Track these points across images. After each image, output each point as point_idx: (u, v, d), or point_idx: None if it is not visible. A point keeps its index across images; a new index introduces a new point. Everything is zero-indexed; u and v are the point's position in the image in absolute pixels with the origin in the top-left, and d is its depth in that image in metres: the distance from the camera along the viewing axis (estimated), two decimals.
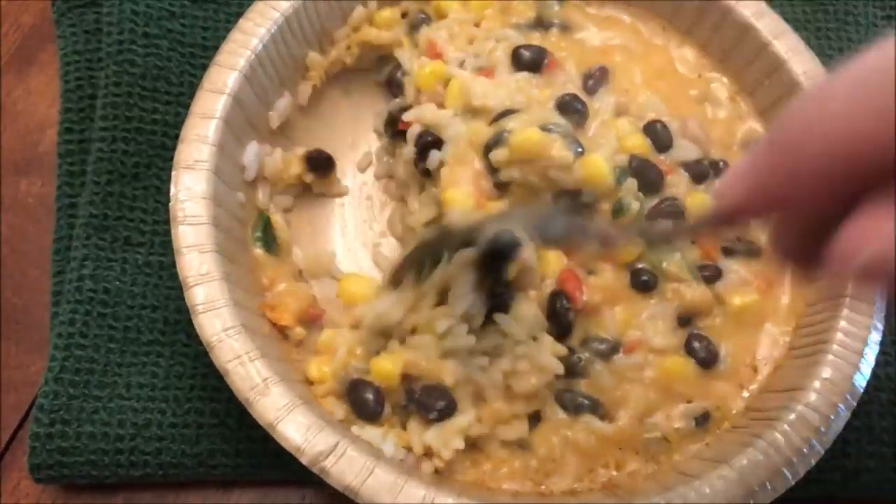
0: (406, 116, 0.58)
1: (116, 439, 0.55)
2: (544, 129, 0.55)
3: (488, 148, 0.55)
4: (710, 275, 0.59)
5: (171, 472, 0.55)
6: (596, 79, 0.63)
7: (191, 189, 0.53)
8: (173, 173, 0.53)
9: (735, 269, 0.60)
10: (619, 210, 0.57)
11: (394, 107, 0.62)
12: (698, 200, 0.60)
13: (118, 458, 0.55)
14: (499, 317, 0.53)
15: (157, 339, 0.58)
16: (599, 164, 0.55)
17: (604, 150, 0.57)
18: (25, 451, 0.57)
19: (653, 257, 0.58)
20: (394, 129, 0.61)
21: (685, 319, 0.58)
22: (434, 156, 0.57)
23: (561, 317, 0.55)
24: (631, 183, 0.57)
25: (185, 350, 0.58)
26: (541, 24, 0.64)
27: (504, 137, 0.55)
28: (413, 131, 0.58)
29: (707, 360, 0.57)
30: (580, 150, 0.55)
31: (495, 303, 0.53)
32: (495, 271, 0.52)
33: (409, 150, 0.58)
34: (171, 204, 0.52)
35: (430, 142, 0.57)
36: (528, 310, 0.54)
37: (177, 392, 0.56)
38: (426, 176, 0.58)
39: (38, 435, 0.54)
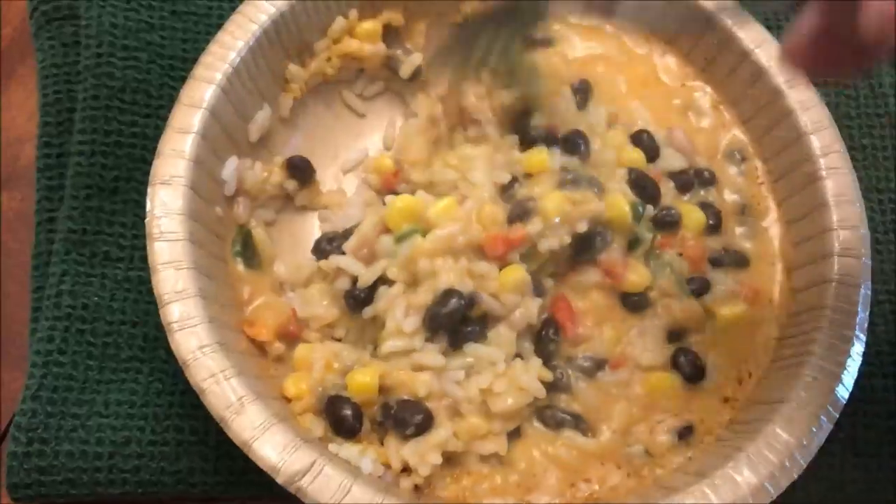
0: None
1: (95, 458, 0.54)
2: (563, 185, 0.56)
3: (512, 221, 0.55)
4: (698, 287, 0.59)
5: (151, 489, 0.55)
6: (582, 93, 0.63)
7: (166, 205, 0.52)
8: (149, 189, 0.53)
9: (723, 279, 0.60)
10: (634, 243, 0.58)
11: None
12: (690, 210, 0.60)
13: (97, 477, 0.54)
14: (469, 346, 0.53)
15: (136, 356, 0.58)
16: (621, 206, 0.56)
17: (616, 183, 0.58)
18: (4, 470, 0.57)
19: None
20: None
21: (675, 335, 0.58)
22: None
23: (546, 345, 0.55)
24: (647, 216, 0.58)
25: (165, 367, 0.57)
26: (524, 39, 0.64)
27: (530, 207, 0.55)
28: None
29: (693, 374, 0.57)
30: (597, 190, 0.56)
31: (468, 333, 0.54)
32: None
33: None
34: (146, 220, 0.52)
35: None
36: (505, 335, 0.54)
37: (156, 409, 0.56)
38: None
39: (16, 454, 0.54)
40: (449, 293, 0.52)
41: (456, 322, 0.53)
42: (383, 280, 0.55)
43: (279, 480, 0.47)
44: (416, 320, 0.53)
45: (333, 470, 0.47)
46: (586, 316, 0.57)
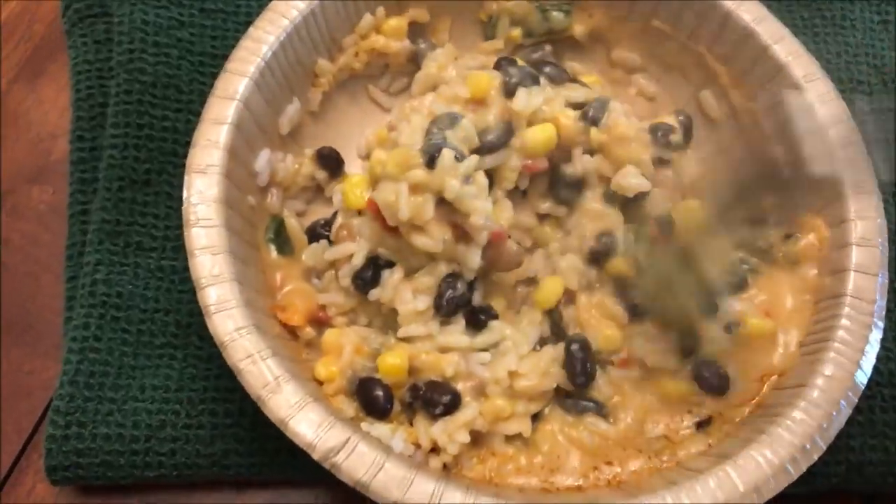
0: None
1: (131, 440, 0.56)
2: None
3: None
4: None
5: (186, 472, 0.56)
6: None
7: (203, 193, 0.54)
8: (186, 177, 0.54)
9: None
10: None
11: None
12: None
13: (133, 460, 0.55)
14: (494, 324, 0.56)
15: (169, 342, 0.59)
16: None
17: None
18: (41, 455, 0.58)
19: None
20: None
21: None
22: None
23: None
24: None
25: (198, 352, 0.59)
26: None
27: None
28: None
29: (719, 387, 0.58)
30: None
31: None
32: None
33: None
34: (183, 207, 0.53)
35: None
36: (531, 321, 0.56)
37: (190, 394, 0.57)
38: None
39: (55, 437, 0.55)
40: (451, 277, 0.55)
41: (465, 303, 0.55)
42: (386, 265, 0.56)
43: (315, 457, 0.48)
44: (427, 300, 0.55)
45: (367, 447, 0.49)
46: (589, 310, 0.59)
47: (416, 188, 0.52)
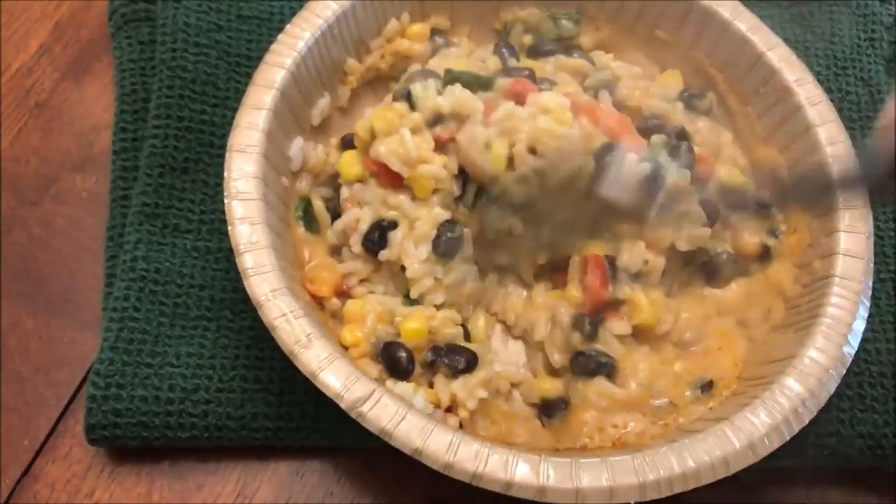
0: None
1: (167, 402, 0.59)
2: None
3: None
4: None
5: (216, 434, 0.60)
6: None
7: (242, 169, 0.58)
8: (227, 155, 0.59)
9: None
10: None
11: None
12: None
13: (168, 420, 0.59)
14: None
15: (204, 315, 0.63)
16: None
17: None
18: (77, 421, 0.62)
19: None
20: None
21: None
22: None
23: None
24: None
25: (230, 325, 0.62)
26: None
27: None
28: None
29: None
30: None
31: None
32: None
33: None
34: (224, 182, 0.58)
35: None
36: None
37: (223, 360, 0.61)
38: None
39: (95, 397, 0.59)
40: (447, 223, 0.59)
41: (461, 245, 0.60)
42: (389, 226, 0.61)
43: (342, 406, 0.52)
44: (427, 245, 0.59)
45: (390, 399, 0.52)
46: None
47: (414, 130, 0.59)
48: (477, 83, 0.62)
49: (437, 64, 0.67)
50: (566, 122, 0.58)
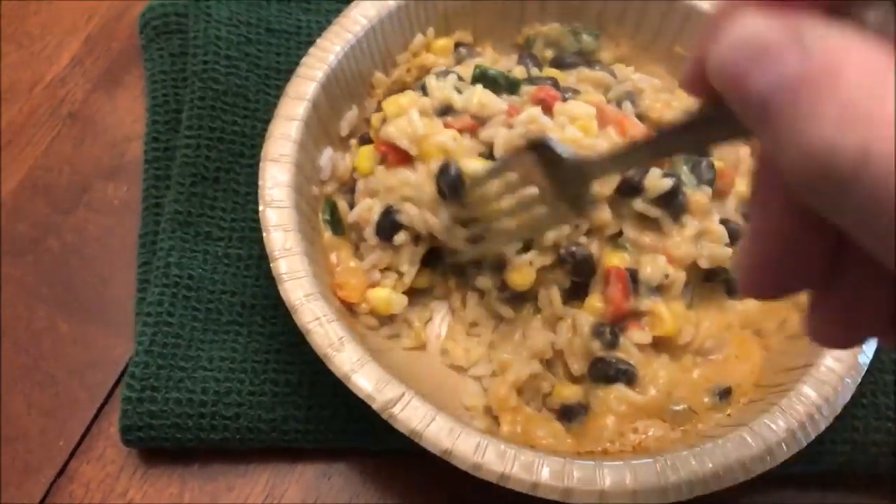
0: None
1: (200, 405, 0.61)
2: None
3: None
4: None
5: (248, 436, 0.61)
6: None
7: (276, 178, 0.60)
8: (261, 164, 0.60)
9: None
10: None
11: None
12: None
13: (201, 423, 0.61)
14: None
15: (235, 321, 0.64)
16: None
17: None
18: (111, 423, 0.63)
19: None
20: None
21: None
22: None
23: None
24: None
25: (261, 330, 0.64)
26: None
27: None
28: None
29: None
30: None
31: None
32: None
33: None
34: (259, 190, 0.59)
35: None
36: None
37: (254, 364, 0.63)
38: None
39: (130, 399, 0.60)
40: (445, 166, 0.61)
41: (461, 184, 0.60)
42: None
43: (374, 407, 0.53)
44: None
45: (420, 402, 0.54)
46: None
47: (423, 113, 0.62)
48: (506, 82, 0.64)
49: (464, 71, 0.68)
50: (592, 131, 0.60)
